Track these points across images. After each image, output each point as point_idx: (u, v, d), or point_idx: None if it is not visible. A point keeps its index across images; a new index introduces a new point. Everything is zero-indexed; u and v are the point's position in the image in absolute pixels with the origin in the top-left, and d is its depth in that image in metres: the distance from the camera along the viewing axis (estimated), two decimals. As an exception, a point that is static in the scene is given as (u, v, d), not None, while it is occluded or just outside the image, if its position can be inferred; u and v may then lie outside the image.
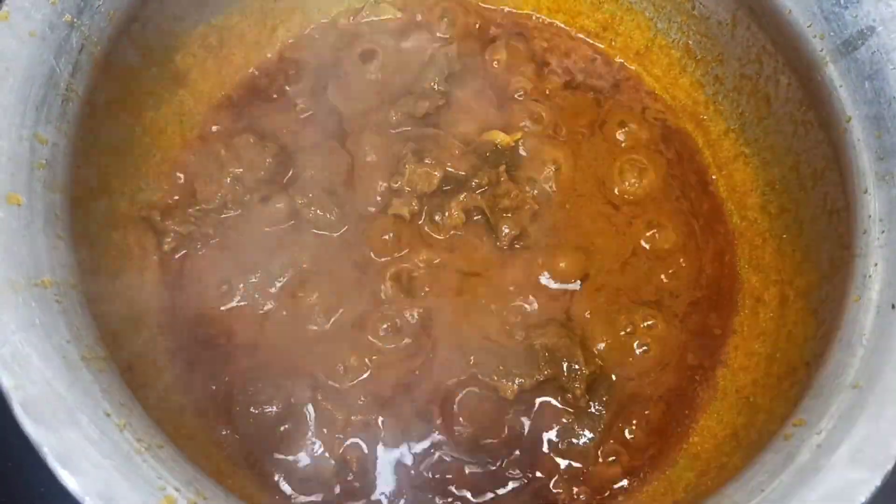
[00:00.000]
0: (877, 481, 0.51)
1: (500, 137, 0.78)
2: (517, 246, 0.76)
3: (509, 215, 0.76)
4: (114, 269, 0.70)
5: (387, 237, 0.75)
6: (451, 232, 0.76)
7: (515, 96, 0.84)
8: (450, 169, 0.77)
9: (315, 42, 0.86)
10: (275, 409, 0.70)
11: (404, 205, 0.76)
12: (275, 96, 0.83)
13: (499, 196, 0.76)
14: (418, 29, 0.85)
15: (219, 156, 0.77)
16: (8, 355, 0.48)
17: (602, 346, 0.74)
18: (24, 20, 0.57)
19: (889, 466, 0.51)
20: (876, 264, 0.60)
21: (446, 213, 0.76)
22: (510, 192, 0.76)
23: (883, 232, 0.61)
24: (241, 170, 0.76)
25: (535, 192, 0.78)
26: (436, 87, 0.81)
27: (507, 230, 0.76)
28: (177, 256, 0.75)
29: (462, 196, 0.76)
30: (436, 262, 0.75)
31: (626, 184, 0.81)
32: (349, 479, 0.69)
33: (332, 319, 0.73)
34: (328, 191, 0.76)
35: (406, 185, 0.76)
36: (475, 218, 0.77)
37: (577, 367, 0.70)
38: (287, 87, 0.83)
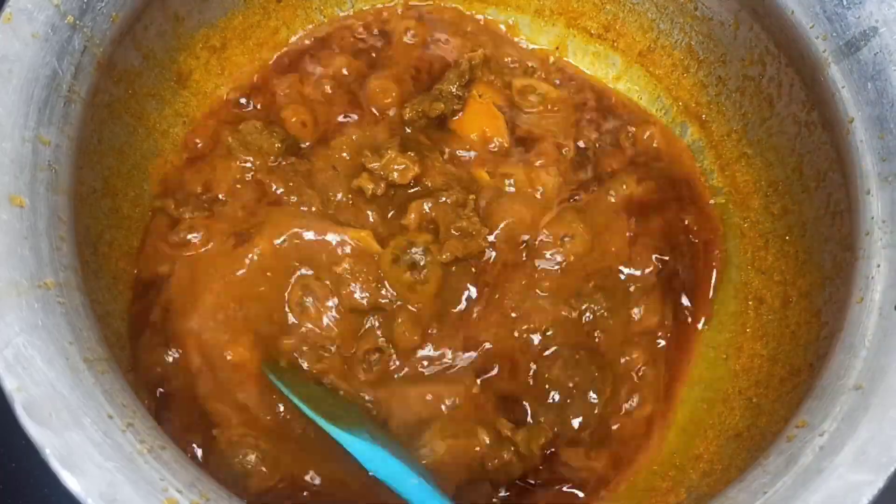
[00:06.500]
0: (880, 483, 0.51)
1: (480, 175, 0.78)
2: (452, 269, 0.73)
3: (457, 234, 0.73)
4: (116, 271, 0.70)
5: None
6: (402, 232, 0.74)
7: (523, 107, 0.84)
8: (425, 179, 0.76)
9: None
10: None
11: (371, 182, 0.74)
12: (278, 96, 0.83)
13: (459, 217, 0.74)
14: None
15: (227, 143, 0.77)
16: (11, 357, 0.49)
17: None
18: (27, 22, 0.58)
19: (892, 468, 0.51)
20: (878, 266, 0.60)
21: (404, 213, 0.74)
22: (471, 219, 0.74)
23: (886, 233, 0.60)
24: (250, 157, 0.76)
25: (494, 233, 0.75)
26: (454, 90, 0.81)
27: (446, 254, 0.72)
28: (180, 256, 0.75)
29: (428, 203, 0.74)
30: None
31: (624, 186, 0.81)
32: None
33: (334, 315, 0.73)
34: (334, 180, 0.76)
35: (381, 169, 0.74)
36: (429, 227, 0.75)
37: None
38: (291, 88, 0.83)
